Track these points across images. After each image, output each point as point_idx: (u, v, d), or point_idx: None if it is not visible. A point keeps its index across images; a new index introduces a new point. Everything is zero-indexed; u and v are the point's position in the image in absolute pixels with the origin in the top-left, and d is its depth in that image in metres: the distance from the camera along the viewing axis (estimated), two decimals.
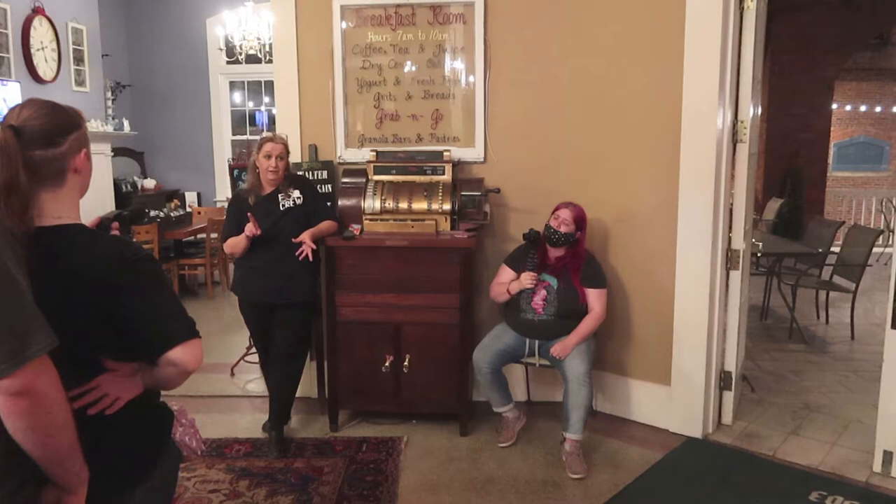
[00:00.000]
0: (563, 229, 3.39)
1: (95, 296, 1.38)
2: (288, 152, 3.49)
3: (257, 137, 4.41)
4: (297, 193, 3.49)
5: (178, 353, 1.44)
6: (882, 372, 3.19)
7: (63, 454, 1.28)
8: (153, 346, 1.44)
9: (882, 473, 3.17)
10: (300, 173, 3.83)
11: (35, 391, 1.18)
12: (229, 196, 4.46)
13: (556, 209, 3.46)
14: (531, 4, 3.75)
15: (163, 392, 1.60)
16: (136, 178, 7.60)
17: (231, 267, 4.26)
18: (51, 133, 1.39)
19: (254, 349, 4.05)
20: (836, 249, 5.86)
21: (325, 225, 3.53)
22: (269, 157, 3.41)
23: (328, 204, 3.74)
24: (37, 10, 5.80)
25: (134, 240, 1.82)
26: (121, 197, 6.83)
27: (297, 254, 3.37)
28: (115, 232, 1.66)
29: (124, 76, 7.91)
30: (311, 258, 3.39)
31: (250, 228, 3.32)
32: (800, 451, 3.43)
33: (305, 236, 3.39)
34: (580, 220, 3.44)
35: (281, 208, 3.45)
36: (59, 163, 1.41)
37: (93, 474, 1.34)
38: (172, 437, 1.63)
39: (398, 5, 3.84)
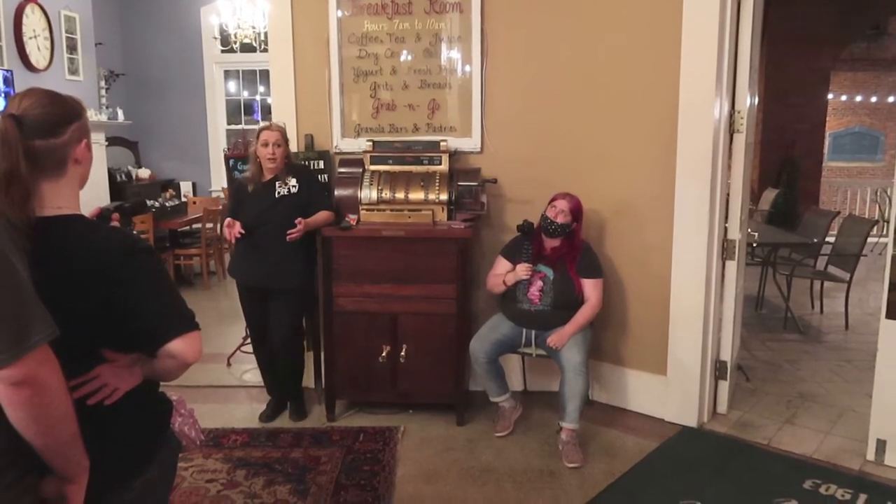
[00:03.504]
0: (559, 220, 3.39)
1: (95, 286, 1.38)
2: (286, 140, 3.54)
3: (252, 127, 4.42)
4: (293, 182, 3.51)
5: (178, 346, 1.43)
6: (876, 361, 3.21)
7: (64, 444, 1.28)
8: (152, 337, 1.44)
9: (875, 462, 3.20)
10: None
11: (37, 381, 1.18)
12: (224, 186, 4.46)
13: (553, 199, 3.46)
14: None
15: (161, 382, 1.60)
16: (130, 168, 7.56)
17: (227, 257, 4.26)
18: (52, 123, 1.38)
19: (250, 340, 4.05)
20: (831, 239, 5.88)
21: (322, 216, 3.54)
22: (266, 144, 3.47)
23: (326, 194, 3.74)
24: None
25: (134, 231, 1.82)
26: (115, 187, 6.80)
27: (287, 235, 3.40)
28: (115, 223, 1.66)
29: (118, 65, 7.85)
30: (293, 237, 3.41)
31: (232, 233, 3.45)
32: (794, 439, 3.46)
33: (301, 222, 3.41)
34: (577, 210, 3.44)
35: (275, 196, 3.49)
36: (60, 153, 1.40)
37: (93, 464, 1.34)
38: (171, 427, 1.63)
39: None
